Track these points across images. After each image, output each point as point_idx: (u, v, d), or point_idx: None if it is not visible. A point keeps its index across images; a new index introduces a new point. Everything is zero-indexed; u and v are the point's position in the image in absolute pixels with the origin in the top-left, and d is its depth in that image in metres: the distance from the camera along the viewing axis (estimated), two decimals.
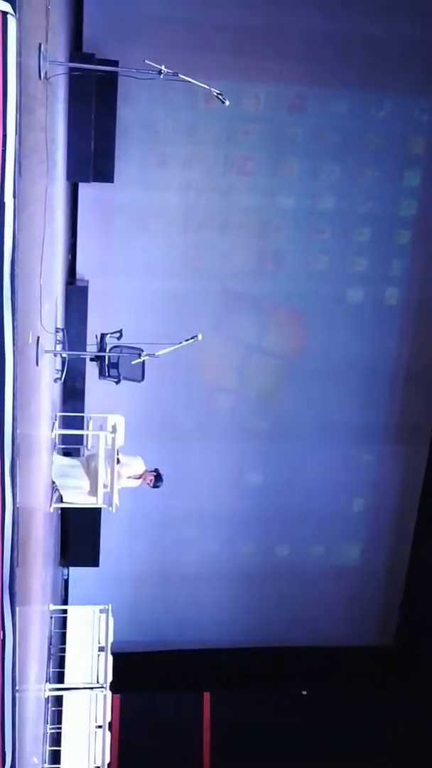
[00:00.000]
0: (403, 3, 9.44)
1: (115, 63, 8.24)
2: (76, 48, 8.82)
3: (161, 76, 5.15)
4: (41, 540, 6.32)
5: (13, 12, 3.30)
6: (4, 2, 3.22)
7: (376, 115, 9.89)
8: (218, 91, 5.52)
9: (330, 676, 11.23)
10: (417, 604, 11.30)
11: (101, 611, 8.38)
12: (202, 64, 8.90)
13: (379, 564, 11.56)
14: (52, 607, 8.06)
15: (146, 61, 5.13)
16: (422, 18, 9.51)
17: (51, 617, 8.00)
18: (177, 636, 11.09)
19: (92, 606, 8.47)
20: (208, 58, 9.15)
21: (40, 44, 4.61)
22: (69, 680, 8.07)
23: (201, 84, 5.39)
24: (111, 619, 8.37)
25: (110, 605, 8.47)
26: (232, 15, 9.27)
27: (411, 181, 10.20)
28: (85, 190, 9.41)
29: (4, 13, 3.25)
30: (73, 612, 8.40)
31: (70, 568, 10.41)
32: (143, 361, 7.36)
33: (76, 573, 10.50)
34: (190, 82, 5.19)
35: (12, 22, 3.31)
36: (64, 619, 8.41)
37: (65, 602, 10.28)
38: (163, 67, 5.14)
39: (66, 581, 10.54)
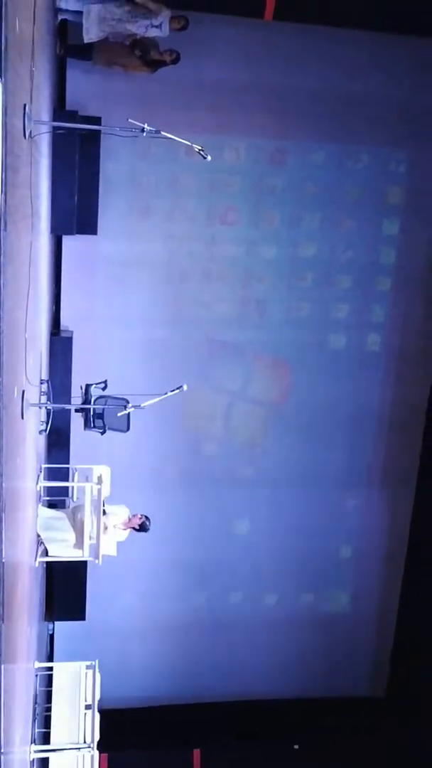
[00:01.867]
0: (377, 60, 9.75)
1: (98, 120, 8.41)
2: (60, 105, 8.99)
3: (144, 134, 5.26)
4: (27, 595, 6.22)
5: None
6: None
7: (353, 167, 10.13)
8: (200, 147, 5.64)
9: (322, 729, 11.02)
10: (408, 652, 11.17)
11: (88, 667, 8.22)
12: (184, 118, 9.11)
13: (369, 611, 11.45)
14: (38, 664, 7.88)
15: (129, 120, 5.24)
16: (396, 74, 9.82)
17: (36, 675, 7.82)
18: (165, 691, 10.87)
19: (78, 662, 8.30)
20: (190, 113, 9.37)
21: (25, 105, 4.70)
22: (55, 741, 7.86)
23: (183, 140, 5.51)
24: (98, 676, 8.20)
25: (97, 661, 8.30)
26: (213, 72, 9.53)
27: (389, 230, 10.41)
28: (69, 242, 9.51)
29: None
30: (59, 669, 8.23)
31: (56, 623, 10.23)
32: (129, 412, 7.37)
33: (61, 627, 10.31)
34: (172, 139, 5.30)
35: None
36: (50, 677, 8.23)
37: (51, 658, 10.08)
38: (145, 125, 5.25)
39: (51, 636, 10.34)
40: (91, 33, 8.26)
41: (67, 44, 8.88)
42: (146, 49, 8.68)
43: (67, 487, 8.04)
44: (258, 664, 11.10)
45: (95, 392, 7.69)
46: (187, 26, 8.68)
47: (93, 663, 8.28)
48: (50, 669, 8.34)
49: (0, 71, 3.45)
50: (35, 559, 7.09)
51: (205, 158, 5.68)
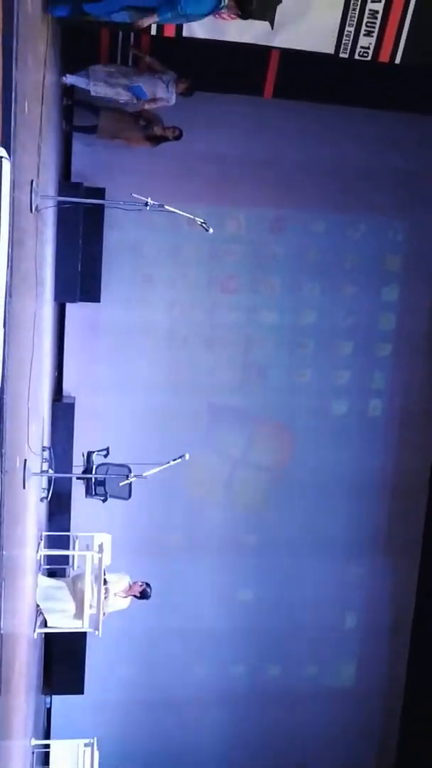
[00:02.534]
0: (375, 135, 10.02)
1: (102, 191, 8.60)
2: (65, 176, 9.22)
3: (147, 208, 5.38)
4: (25, 668, 6.09)
5: (7, 156, 3.49)
6: (0, 148, 3.41)
7: (352, 236, 10.32)
8: (202, 220, 5.76)
9: None
10: (417, 726, 10.83)
11: (86, 745, 7.97)
12: (186, 189, 9.32)
13: (375, 683, 11.15)
14: (35, 741, 7.65)
15: (133, 195, 5.36)
16: (392, 146, 10.09)
17: (33, 752, 7.58)
18: (167, 767, 10.51)
19: (77, 740, 8.06)
20: (191, 184, 9.59)
21: (32, 180, 4.84)
22: None
23: (186, 214, 5.63)
24: (96, 754, 7.94)
25: (95, 738, 8.06)
26: (214, 145, 9.80)
27: (389, 296, 10.54)
28: (72, 309, 9.63)
29: (0, 157, 3.42)
30: (57, 747, 7.98)
31: (54, 697, 9.95)
32: (130, 481, 7.34)
33: (59, 701, 10.03)
34: (175, 212, 5.42)
35: (6, 165, 3.48)
36: (47, 754, 7.97)
37: (48, 734, 9.78)
38: (149, 200, 5.38)
39: (49, 710, 10.05)
40: (99, 89, 8.40)
41: (73, 125, 9.17)
42: (150, 122, 8.93)
43: (67, 556, 7.95)
44: (261, 740, 10.76)
45: (97, 459, 7.68)
46: (192, 91, 8.69)
47: (91, 741, 8.03)
48: (47, 746, 8.08)
49: (9, 151, 3.56)
50: (34, 631, 6.97)
51: (207, 230, 5.80)
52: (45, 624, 7.25)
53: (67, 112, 9.06)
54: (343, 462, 10.55)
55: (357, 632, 11.02)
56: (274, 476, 10.52)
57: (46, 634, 7.99)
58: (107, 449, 7.87)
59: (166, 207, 5.34)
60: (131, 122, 8.93)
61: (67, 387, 9.73)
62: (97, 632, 7.35)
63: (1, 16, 3.80)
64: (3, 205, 3.43)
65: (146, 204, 5.35)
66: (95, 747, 7.99)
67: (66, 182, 9.02)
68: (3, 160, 3.41)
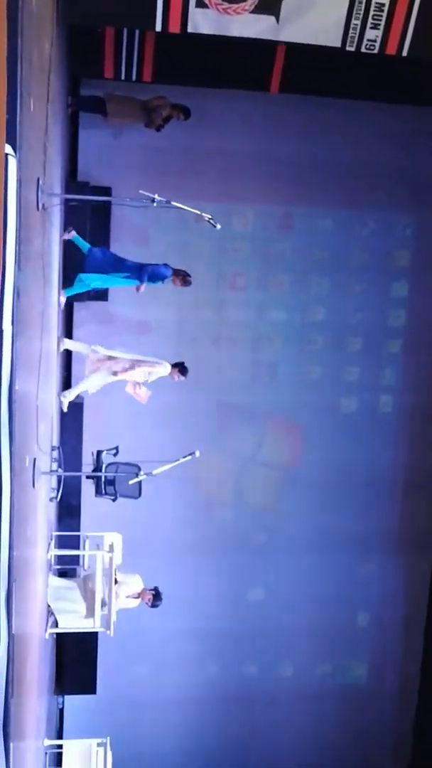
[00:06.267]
0: (382, 129, 9.97)
1: (108, 190, 8.58)
2: (71, 175, 9.19)
3: (154, 204, 5.35)
4: (36, 669, 6.07)
5: (14, 153, 3.46)
6: (6, 145, 3.39)
7: (360, 232, 10.27)
8: (209, 216, 5.72)
9: None
10: (431, 723, 10.77)
11: (99, 745, 7.94)
12: (193, 187, 9.27)
13: (389, 681, 11.10)
14: (47, 741, 7.63)
15: (140, 192, 5.33)
16: (400, 140, 10.03)
17: (45, 753, 7.57)
18: (180, 767, 10.49)
19: (89, 740, 8.03)
20: (199, 181, 9.56)
21: (38, 178, 4.81)
22: None
23: (193, 210, 5.59)
24: (109, 754, 7.91)
25: (108, 738, 8.03)
26: (221, 142, 9.76)
27: (398, 292, 10.48)
28: (81, 308, 9.61)
29: (6, 155, 3.40)
30: (69, 747, 7.96)
31: (66, 696, 9.94)
32: (140, 480, 7.31)
33: (71, 701, 10.02)
34: (182, 209, 5.38)
35: (13, 162, 3.46)
36: (60, 755, 7.95)
37: (60, 734, 9.77)
38: (156, 196, 5.34)
39: (61, 711, 10.04)
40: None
41: (80, 97, 9.08)
42: (157, 107, 8.86)
43: (78, 556, 7.93)
44: (274, 739, 10.72)
45: (106, 459, 7.65)
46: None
47: (104, 740, 8.01)
48: (60, 747, 8.06)
49: (15, 148, 3.54)
50: (45, 631, 6.95)
51: (215, 227, 5.76)
52: (56, 624, 7.24)
53: (74, 86, 9.03)
54: (353, 459, 10.50)
55: (369, 630, 10.96)
56: (285, 474, 10.47)
57: (57, 634, 7.98)
58: (116, 448, 7.84)
59: (173, 203, 5.30)
60: (137, 108, 8.88)
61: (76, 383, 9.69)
62: (108, 632, 7.34)
63: (5, 15, 3.77)
64: (10, 202, 3.41)
65: (153, 201, 5.32)
66: (108, 747, 7.97)
67: (73, 181, 9.00)
68: (9, 157, 3.39)
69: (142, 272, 7.87)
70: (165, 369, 7.84)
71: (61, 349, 8.05)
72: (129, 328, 9.92)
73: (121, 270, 7.93)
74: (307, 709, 10.81)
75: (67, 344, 8.23)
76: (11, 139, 3.51)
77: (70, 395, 8.15)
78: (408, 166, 10.15)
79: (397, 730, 11.15)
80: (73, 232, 7.85)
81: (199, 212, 5.64)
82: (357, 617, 10.91)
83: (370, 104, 9.76)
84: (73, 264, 8.04)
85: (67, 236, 7.77)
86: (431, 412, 10.64)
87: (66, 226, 7.88)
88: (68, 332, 9.59)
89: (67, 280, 8.19)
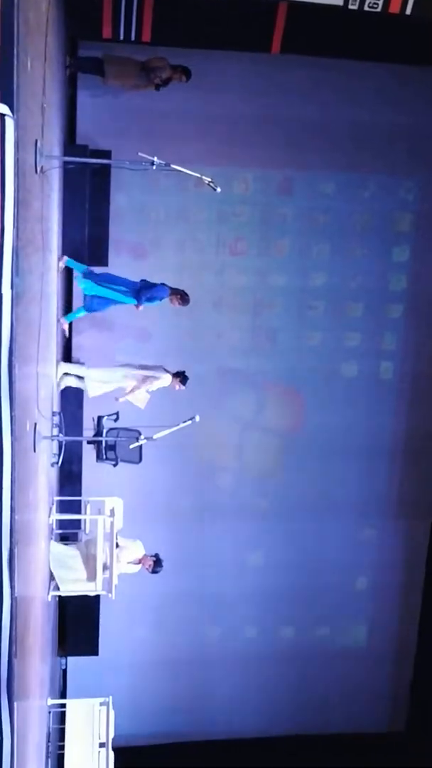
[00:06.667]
0: (383, 90, 9.83)
1: (108, 153, 8.48)
2: (70, 140, 9.09)
3: (154, 167, 5.29)
4: (39, 630, 6.15)
5: (11, 114, 3.41)
6: (2, 105, 3.33)
7: (362, 195, 10.17)
8: (209, 179, 5.66)
9: (340, 765, 10.77)
10: (428, 685, 10.95)
11: (101, 704, 8.09)
12: (192, 151, 9.18)
13: (387, 644, 11.26)
14: (51, 701, 7.77)
15: (139, 154, 5.27)
16: (403, 103, 9.89)
17: (49, 712, 7.71)
18: (180, 727, 10.69)
19: (92, 699, 8.18)
20: (198, 145, 9.45)
21: (36, 140, 4.75)
22: None
23: (192, 173, 5.53)
24: (112, 713, 8.07)
25: (110, 698, 8.18)
26: (220, 104, 9.63)
27: (400, 257, 10.42)
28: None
29: (3, 115, 3.35)
30: (73, 706, 8.11)
31: (69, 658, 10.10)
32: (141, 444, 7.34)
33: (74, 663, 10.18)
34: (182, 172, 5.33)
35: (10, 123, 3.41)
36: (63, 714, 8.10)
37: (63, 694, 9.94)
38: (155, 159, 5.28)
39: (64, 671, 10.21)
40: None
41: (78, 57, 8.94)
42: (157, 68, 8.71)
43: (79, 520, 7.99)
44: (274, 700, 10.91)
45: (107, 424, 7.67)
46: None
47: (107, 700, 8.16)
48: (63, 706, 8.21)
49: (12, 109, 3.48)
50: (48, 593, 7.02)
51: (215, 190, 5.70)
52: (58, 587, 7.32)
53: (72, 46, 8.90)
54: (353, 424, 10.53)
55: (368, 594, 11.09)
56: (285, 439, 10.51)
57: (60, 597, 8.09)
58: (117, 414, 7.86)
59: (173, 166, 5.24)
60: (136, 69, 8.75)
61: (76, 353, 9.70)
62: (110, 595, 7.42)
63: None
64: (8, 164, 3.37)
65: (152, 163, 5.26)
66: (110, 706, 8.12)
67: (72, 145, 8.90)
68: (6, 117, 3.34)
69: (140, 294, 7.87)
70: (166, 379, 7.86)
71: (60, 375, 7.99)
72: None
73: (119, 285, 7.91)
74: (305, 671, 10.99)
75: (64, 368, 8.14)
76: (8, 99, 3.46)
77: (69, 369, 8.12)
78: (411, 129, 10.03)
79: (394, 691, 11.35)
80: (65, 257, 7.81)
81: (199, 175, 5.58)
82: (356, 581, 11.03)
83: (373, 65, 9.61)
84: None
85: (61, 263, 7.73)
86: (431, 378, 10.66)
87: (66, 190, 7.81)
88: (68, 300, 9.55)
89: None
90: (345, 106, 9.85)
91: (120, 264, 9.51)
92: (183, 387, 7.86)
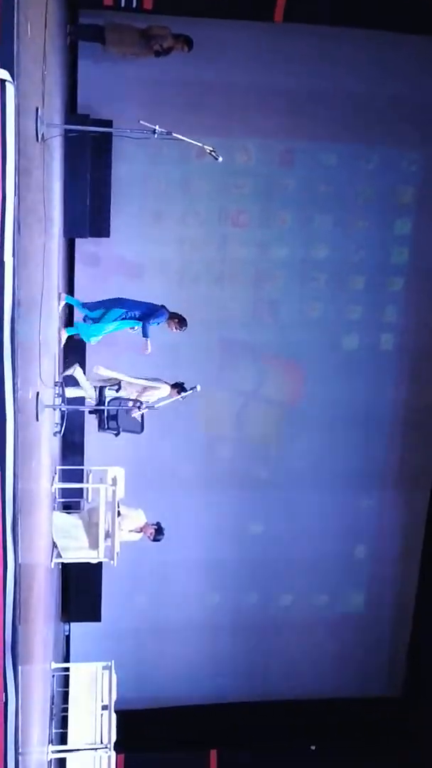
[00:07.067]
0: (388, 60, 9.73)
1: (109, 123, 8.44)
2: (71, 110, 9.03)
3: (155, 135, 5.28)
4: (42, 596, 6.25)
5: (11, 79, 3.42)
6: (2, 70, 3.33)
7: (364, 167, 10.11)
8: (211, 148, 5.65)
9: (338, 729, 10.99)
10: (425, 651, 11.12)
11: (104, 668, 8.25)
12: (194, 121, 9.13)
13: (385, 611, 11.41)
14: (54, 665, 7.92)
15: (141, 122, 5.26)
16: (407, 74, 9.80)
17: (53, 675, 7.86)
18: (182, 691, 10.88)
19: (95, 663, 8.34)
20: (200, 115, 9.39)
21: (37, 108, 4.74)
22: (72, 741, 7.89)
23: (194, 142, 5.52)
24: (114, 676, 8.22)
25: (113, 662, 8.32)
26: (223, 74, 9.55)
27: (402, 230, 10.38)
28: (82, 245, 9.56)
29: (3, 81, 3.35)
30: (76, 670, 8.27)
31: (72, 624, 10.26)
32: (143, 413, 7.40)
33: (77, 629, 10.34)
34: (183, 140, 5.32)
35: (10, 89, 3.42)
36: (66, 677, 8.26)
37: (67, 659, 10.11)
38: (157, 127, 5.27)
39: (67, 637, 10.37)
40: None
41: (78, 25, 8.86)
42: (158, 36, 8.61)
43: (81, 489, 8.07)
44: (273, 665, 11.09)
45: (109, 394, 7.71)
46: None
47: (109, 663, 8.31)
48: (67, 670, 8.37)
49: (12, 75, 3.48)
50: (51, 561, 7.13)
51: (216, 159, 5.70)
52: (61, 555, 7.42)
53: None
54: (354, 396, 10.58)
55: (367, 562, 11.22)
56: (286, 410, 10.57)
57: (63, 565, 8.20)
58: (119, 383, 7.91)
59: (174, 134, 5.23)
60: (137, 36, 8.66)
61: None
62: (112, 562, 7.52)
63: None
64: (8, 131, 3.38)
65: (154, 132, 5.25)
66: (113, 670, 8.27)
67: (73, 114, 8.85)
68: (6, 83, 3.34)
69: (144, 321, 7.83)
70: (165, 390, 7.90)
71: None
72: (131, 269, 9.88)
73: (118, 306, 7.90)
74: (305, 637, 11.15)
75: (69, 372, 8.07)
76: (8, 65, 3.45)
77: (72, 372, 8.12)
78: (415, 100, 9.93)
79: (391, 657, 11.52)
80: (63, 294, 7.77)
81: (200, 144, 5.57)
82: (355, 550, 11.16)
83: (376, 35, 9.51)
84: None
85: (61, 302, 7.68)
86: None
87: (67, 160, 7.79)
88: (70, 272, 9.55)
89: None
90: (348, 76, 9.76)
91: (122, 235, 9.50)
92: (181, 398, 7.86)
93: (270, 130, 9.77)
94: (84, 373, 8.04)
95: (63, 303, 7.91)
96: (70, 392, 7.80)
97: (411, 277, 10.47)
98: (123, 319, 7.90)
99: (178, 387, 7.87)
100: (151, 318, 7.82)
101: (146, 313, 7.87)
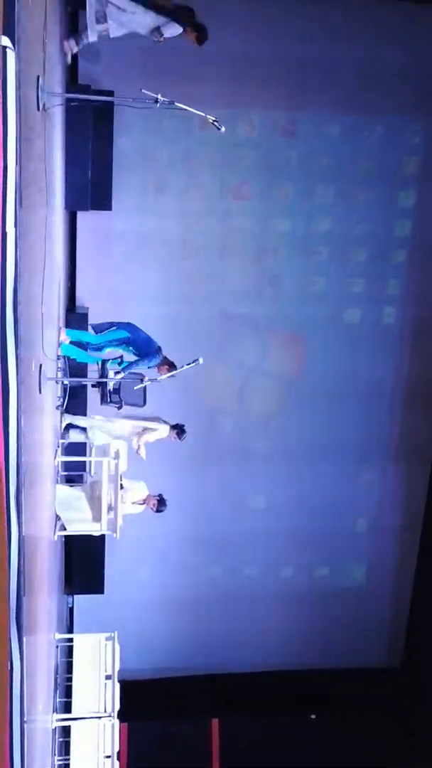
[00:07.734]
0: (391, 29, 9.60)
1: (110, 93, 8.34)
2: (72, 80, 8.93)
3: (158, 105, 5.22)
4: (46, 568, 6.29)
5: (12, 46, 3.36)
6: (4, 37, 3.28)
7: (368, 138, 10.02)
8: (213, 118, 5.59)
9: (338, 700, 11.13)
10: (424, 624, 11.23)
11: (107, 639, 8.34)
12: (196, 92, 9.00)
13: (385, 584, 11.51)
14: (58, 636, 8.00)
15: (143, 90, 5.20)
16: (410, 43, 9.67)
17: (57, 646, 7.94)
18: (183, 662, 11.01)
19: (98, 634, 8.42)
20: (202, 86, 9.28)
21: (38, 76, 4.67)
22: (76, 710, 8.00)
23: (197, 112, 5.46)
24: (117, 647, 8.31)
25: (116, 633, 8.41)
26: (225, 44, 9.40)
27: (405, 202, 10.31)
28: (84, 217, 9.50)
29: (4, 47, 3.30)
30: (79, 640, 8.36)
31: (75, 596, 10.35)
32: (145, 386, 7.39)
33: (81, 600, 10.44)
34: (186, 110, 5.26)
35: (11, 56, 3.36)
36: (70, 648, 8.35)
37: (71, 631, 10.21)
38: (159, 96, 5.21)
39: (71, 609, 10.47)
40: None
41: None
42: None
43: (84, 463, 8.10)
44: (274, 636, 11.20)
45: (111, 367, 7.71)
46: (206, 37, 7.99)
47: (112, 634, 8.39)
48: (71, 641, 8.45)
49: (13, 41, 3.43)
50: (54, 533, 7.16)
51: (219, 129, 5.63)
52: (65, 527, 7.46)
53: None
54: (356, 369, 10.58)
55: (367, 535, 11.29)
56: (287, 384, 10.57)
57: (66, 538, 8.25)
58: (121, 357, 7.90)
59: (176, 104, 5.17)
60: None
61: (81, 297, 9.70)
62: (115, 535, 7.57)
63: None
64: (9, 98, 3.33)
65: (156, 101, 5.18)
66: (116, 640, 8.36)
67: (74, 84, 8.74)
68: (8, 50, 3.29)
69: (137, 360, 7.66)
70: (164, 431, 7.85)
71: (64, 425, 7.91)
72: (134, 240, 9.83)
73: (125, 329, 7.79)
74: (305, 609, 11.25)
75: (68, 420, 8.03)
76: (9, 32, 3.40)
77: (73, 420, 8.08)
78: (419, 70, 9.81)
79: (390, 630, 11.64)
80: (63, 330, 7.61)
81: (202, 114, 5.51)
82: (355, 523, 11.22)
83: (380, 3, 9.37)
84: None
85: (64, 339, 7.55)
86: None
87: (68, 131, 7.70)
88: (72, 245, 9.49)
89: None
90: (351, 46, 9.63)
91: (123, 207, 9.43)
92: (179, 440, 7.80)
93: (273, 100, 9.66)
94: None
95: (64, 340, 7.53)
96: (74, 436, 7.89)
97: (414, 249, 10.42)
98: (122, 343, 7.79)
99: (177, 428, 7.84)
100: (144, 359, 7.65)
101: (143, 350, 7.69)
